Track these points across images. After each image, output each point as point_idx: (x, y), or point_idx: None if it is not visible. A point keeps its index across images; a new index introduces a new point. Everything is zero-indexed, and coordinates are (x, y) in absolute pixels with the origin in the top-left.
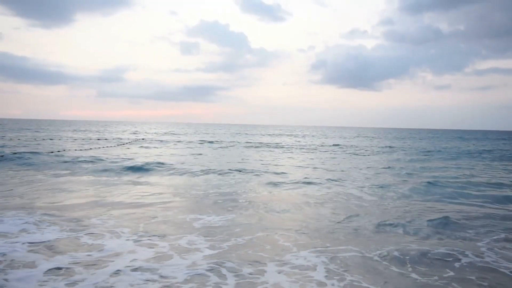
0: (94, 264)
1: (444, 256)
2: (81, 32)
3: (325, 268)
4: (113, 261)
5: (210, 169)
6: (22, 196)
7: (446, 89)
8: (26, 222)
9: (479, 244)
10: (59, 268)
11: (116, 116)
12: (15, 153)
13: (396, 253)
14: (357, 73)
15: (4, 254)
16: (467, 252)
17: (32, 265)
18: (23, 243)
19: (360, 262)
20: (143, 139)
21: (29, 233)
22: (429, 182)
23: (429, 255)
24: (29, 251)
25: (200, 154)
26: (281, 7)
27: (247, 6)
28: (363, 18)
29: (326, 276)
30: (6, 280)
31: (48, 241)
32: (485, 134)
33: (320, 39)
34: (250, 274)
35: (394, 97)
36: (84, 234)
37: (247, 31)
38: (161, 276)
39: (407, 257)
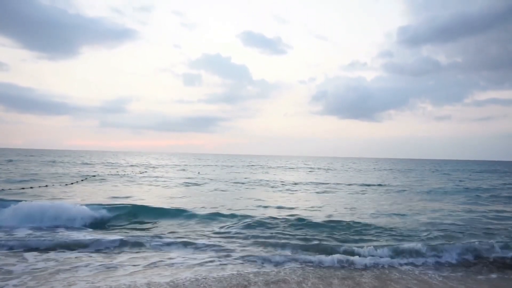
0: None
1: None
2: (85, 64)
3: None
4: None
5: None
6: None
7: (447, 120)
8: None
9: None
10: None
11: (118, 146)
12: None
13: None
14: (357, 104)
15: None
16: None
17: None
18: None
19: None
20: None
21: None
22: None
23: None
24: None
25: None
26: (282, 40)
27: (248, 39)
28: (362, 50)
29: None
30: (101, 265)
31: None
32: (492, 165)
33: (321, 70)
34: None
35: (395, 128)
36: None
37: (249, 64)
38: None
39: None
